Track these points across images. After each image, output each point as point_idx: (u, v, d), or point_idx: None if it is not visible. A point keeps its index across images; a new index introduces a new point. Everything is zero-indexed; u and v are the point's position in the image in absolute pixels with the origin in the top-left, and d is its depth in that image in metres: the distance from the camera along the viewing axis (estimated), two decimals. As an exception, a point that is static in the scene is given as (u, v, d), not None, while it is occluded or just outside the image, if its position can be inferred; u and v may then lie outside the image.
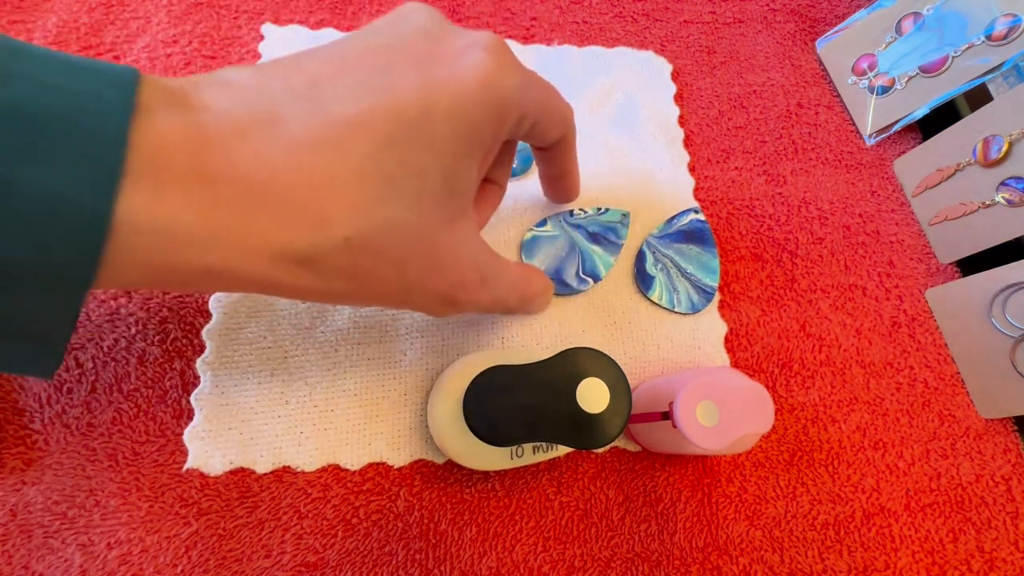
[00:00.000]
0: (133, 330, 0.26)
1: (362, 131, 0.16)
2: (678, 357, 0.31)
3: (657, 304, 0.31)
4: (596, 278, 0.31)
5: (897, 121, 0.38)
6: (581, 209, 0.32)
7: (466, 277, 0.20)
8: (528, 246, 0.31)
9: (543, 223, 0.32)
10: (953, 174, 0.35)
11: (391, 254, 0.17)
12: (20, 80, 0.12)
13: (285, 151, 0.15)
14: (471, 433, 0.22)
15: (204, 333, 0.27)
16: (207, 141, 0.14)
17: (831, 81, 0.41)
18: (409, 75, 0.17)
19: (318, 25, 0.35)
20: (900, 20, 0.37)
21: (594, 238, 0.32)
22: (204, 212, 0.14)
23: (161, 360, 0.26)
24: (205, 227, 0.14)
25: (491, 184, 0.25)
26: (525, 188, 0.33)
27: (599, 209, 0.32)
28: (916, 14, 0.37)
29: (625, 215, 0.33)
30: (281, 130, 0.15)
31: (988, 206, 0.33)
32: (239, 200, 0.14)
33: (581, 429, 0.22)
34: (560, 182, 0.28)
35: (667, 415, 0.24)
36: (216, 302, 0.27)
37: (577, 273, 0.31)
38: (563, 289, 0.30)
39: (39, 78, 0.13)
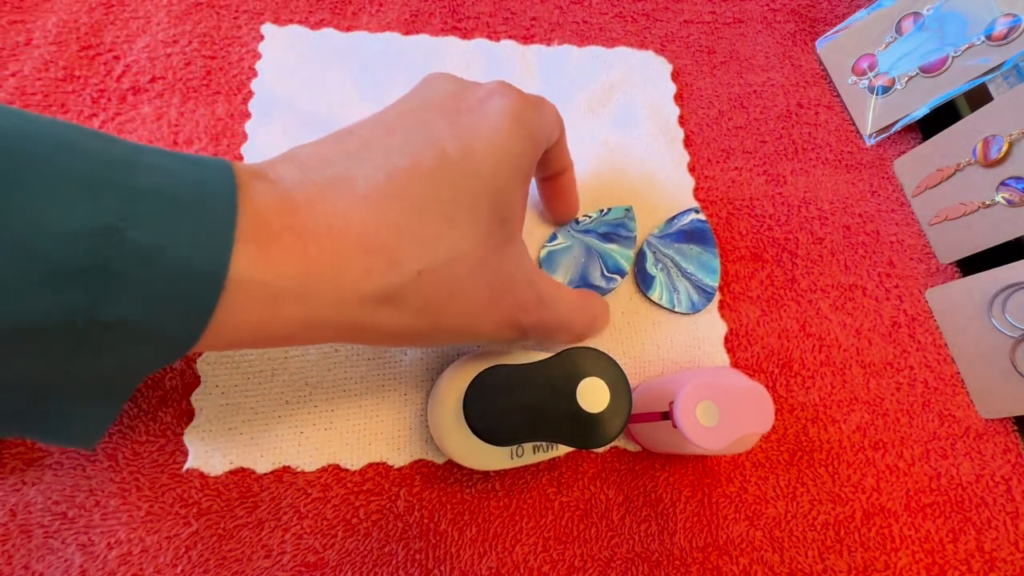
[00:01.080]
0: (133, 330, 0.26)
1: (416, 176, 0.18)
2: (678, 357, 0.31)
3: (657, 304, 0.31)
4: (622, 273, 0.31)
5: (897, 121, 0.38)
6: (585, 215, 0.32)
7: (526, 298, 0.21)
8: (546, 263, 0.31)
9: (553, 238, 0.32)
10: (953, 174, 0.35)
11: (459, 282, 0.18)
12: (147, 169, 0.14)
13: (359, 205, 0.17)
14: (471, 433, 0.22)
15: (204, 333, 0.27)
16: (295, 204, 0.16)
17: (831, 81, 0.41)
18: (444, 126, 0.19)
19: (318, 25, 0.35)
20: (900, 20, 0.37)
21: (607, 237, 0.32)
22: (300, 265, 0.16)
23: (161, 360, 0.26)
24: (302, 278, 0.16)
25: (561, 173, 0.28)
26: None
27: (602, 211, 0.32)
28: (916, 14, 0.37)
29: (628, 209, 0.33)
30: (351, 187, 0.17)
31: (988, 206, 0.33)
32: (327, 252, 0.16)
33: (581, 429, 0.22)
34: (561, 186, 0.29)
35: (667, 415, 0.24)
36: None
37: (603, 273, 0.31)
38: (594, 291, 0.31)
39: (164, 166, 0.15)
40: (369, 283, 0.17)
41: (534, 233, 0.32)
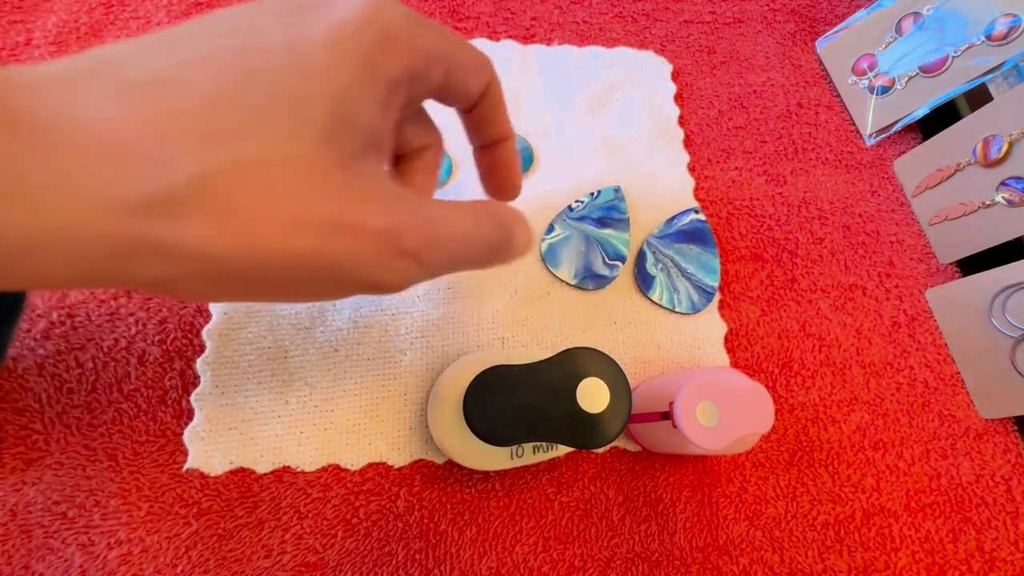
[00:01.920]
0: (133, 330, 0.26)
1: (216, 65, 0.14)
2: (678, 357, 0.31)
3: (657, 304, 0.31)
4: (622, 260, 0.31)
5: (897, 121, 0.38)
6: (577, 201, 0.33)
7: (405, 217, 0.16)
8: (548, 256, 0.31)
9: (551, 229, 0.32)
10: (953, 174, 0.35)
11: (275, 190, 0.14)
12: None
13: (116, 94, 0.13)
14: (471, 433, 0.22)
15: (204, 333, 0.27)
16: (5, 83, 0.12)
17: (831, 81, 0.41)
18: (270, 17, 0.15)
19: (318, 25, 0.35)
20: (900, 20, 0.37)
21: (602, 223, 0.32)
22: (11, 163, 0.12)
23: (161, 360, 0.26)
24: (18, 181, 0.12)
25: (424, 149, 0.23)
26: (523, 189, 0.33)
27: (592, 195, 0.33)
28: (916, 14, 0.37)
29: (617, 190, 0.33)
30: (113, 76, 0.13)
31: (988, 206, 0.33)
32: (60, 147, 0.12)
33: (581, 429, 0.22)
34: (498, 161, 0.24)
35: (667, 415, 0.24)
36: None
37: (604, 262, 0.31)
38: (598, 281, 0.31)
39: None
40: (127, 187, 0.13)
41: (530, 226, 0.32)
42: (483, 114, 0.23)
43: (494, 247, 0.19)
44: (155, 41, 0.14)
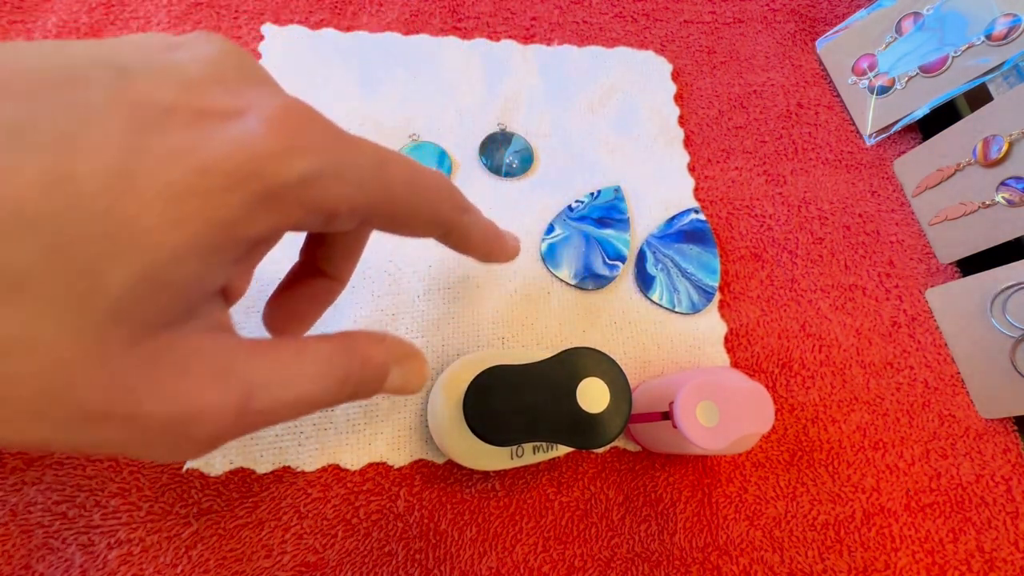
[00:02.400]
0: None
1: None
2: (678, 357, 0.31)
3: (657, 304, 0.31)
4: (622, 259, 0.31)
5: (897, 121, 0.38)
6: (577, 201, 0.33)
7: (209, 400, 0.13)
8: (549, 257, 0.31)
9: (551, 229, 0.32)
10: (953, 174, 0.35)
11: (15, 378, 0.11)
12: None
13: None
14: (471, 433, 0.22)
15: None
16: None
17: (831, 81, 0.41)
18: (112, 126, 0.11)
19: (318, 25, 0.35)
20: (900, 20, 0.37)
21: (602, 223, 0.32)
22: None
23: (161, 360, 0.26)
24: None
25: (325, 279, 0.19)
26: (523, 190, 0.33)
27: (592, 194, 0.33)
28: (916, 14, 0.37)
29: (617, 189, 0.33)
30: None
31: (988, 206, 0.33)
32: None
33: (581, 429, 0.22)
34: (465, 244, 0.19)
35: (667, 415, 0.24)
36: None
37: (604, 262, 0.31)
38: (598, 281, 0.31)
39: None
40: None
41: (530, 227, 0.32)
42: (451, 244, 0.19)
43: (349, 394, 0.16)
44: None
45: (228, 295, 0.15)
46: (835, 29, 0.41)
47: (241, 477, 0.25)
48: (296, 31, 0.35)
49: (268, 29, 0.34)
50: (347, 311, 0.28)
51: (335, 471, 0.26)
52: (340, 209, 0.14)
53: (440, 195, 0.17)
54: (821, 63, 0.41)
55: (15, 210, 0.10)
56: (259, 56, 0.33)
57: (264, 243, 0.14)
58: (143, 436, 0.12)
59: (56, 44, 0.12)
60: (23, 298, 0.10)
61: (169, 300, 0.12)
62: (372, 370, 0.16)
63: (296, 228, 0.14)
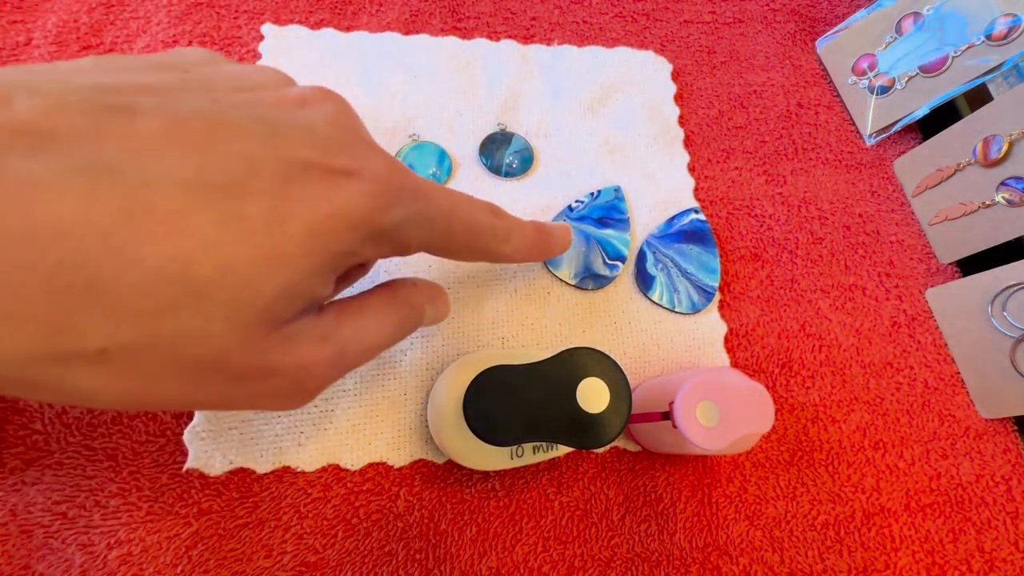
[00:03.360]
0: (133, 330, 0.26)
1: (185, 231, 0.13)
2: (678, 357, 0.31)
3: (657, 304, 0.31)
4: (622, 260, 0.31)
5: (897, 121, 0.38)
6: (577, 201, 0.33)
7: (313, 357, 0.17)
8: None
9: None
10: (953, 174, 0.35)
11: (182, 363, 0.14)
12: None
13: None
14: (471, 433, 0.22)
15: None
16: None
17: (831, 81, 0.41)
18: (265, 185, 0.14)
19: (318, 25, 0.35)
20: (900, 20, 0.37)
21: (602, 223, 0.32)
22: None
23: (161, 360, 0.26)
24: None
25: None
26: (523, 190, 0.33)
27: (592, 194, 0.33)
28: (916, 14, 0.37)
29: (617, 189, 0.33)
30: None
31: (988, 206, 0.33)
32: None
33: (581, 429, 0.22)
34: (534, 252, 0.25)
35: (667, 415, 0.24)
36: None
37: (604, 262, 0.31)
38: (598, 281, 0.31)
39: None
40: (27, 344, 0.12)
41: (525, 214, 0.32)
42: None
43: (404, 332, 0.21)
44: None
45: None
46: (835, 29, 0.41)
47: (241, 477, 0.25)
48: (296, 31, 0.35)
49: (268, 29, 0.34)
50: (347, 311, 0.28)
51: (335, 471, 0.26)
52: (414, 246, 0.19)
53: (487, 233, 0.21)
54: (821, 63, 0.41)
55: (202, 238, 0.13)
56: (259, 56, 0.33)
57: (364, 267, 0.20)
58: (273, 387, 0.16)
59: (223, 91, 0.16)
60: (205, 304, 0.14)
61: (300, 304, 0.16)
62: (416, 310, 0.21)
63: (384, 257, 0.19)
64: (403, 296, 0.21)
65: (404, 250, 0.19)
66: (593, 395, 0.22)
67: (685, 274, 0.32)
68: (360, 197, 0.16)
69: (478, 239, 0.21)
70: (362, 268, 0.21)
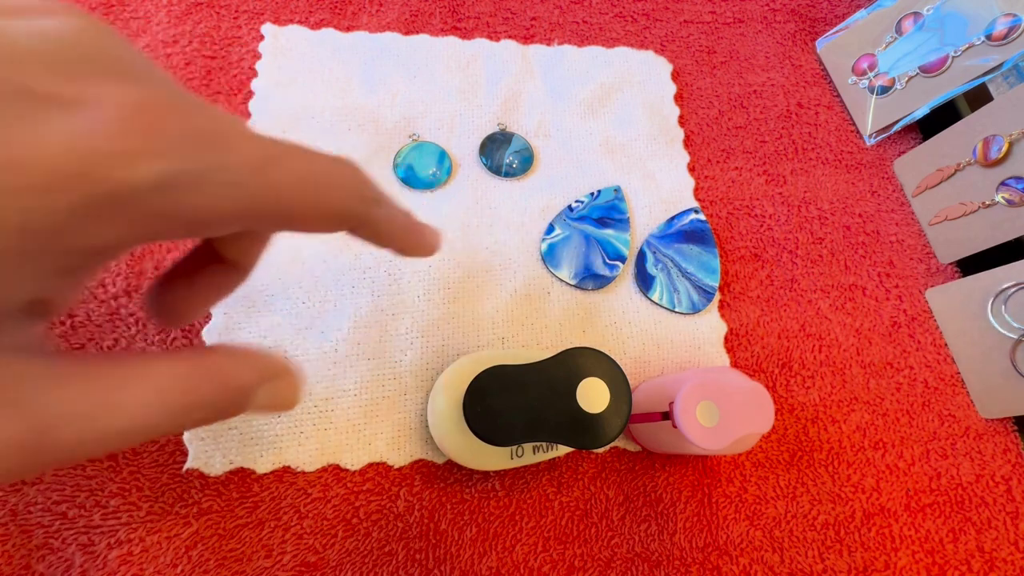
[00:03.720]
0: (133, 330, 0.26)
1: None
2: (678, 357, 0.31)
3: (657, 304, 0.31)
4: (622, 259, 0.31)
5: (897, 121, 0.38)
6: (577, 201, 0.33)
7: None
8: (549, 257, 0.31)
9: (551, 229, 0.32)
10: (953, 174, 0.35)
11: None
12: None
13: None
14: (471, 433, 0.22)
15: (204, 333, 0.27)
16: None
17: (831, 81, 0.41)
18: None
19: (318, 25, 0.35)
20: (900, 20, 0.37)
21: (602, 223, 0.32)
22: None
23: (161, 360, 0.26)
24: None
25: (223, 266, 0.17)
26: (523, 190, 0.33)
27: (592, 194, 0.33)
28: (916, 14, 0.37)
29: (617, 189, 0.33)
30: None
31: (988, 206, 0.33)
32: None
33: (581, 429, 0.22)
34: (378, 236, 0.17)
35: (667, 415, 0.24)
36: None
37: (604, 262, 0.31)
38: (598, 281, 0.31)
39: None
40: None
41: (530, 227, 0.32)
42: (364, 232, 0.16)
43: (202, 418, 0.14)
44: None
45: (44, 309, 0.13)
46: (835, 29, 0.41)
47: (241, 477, 0.25)
48: (296, 31, 0.35)
49: (268, 29, 0.34)
50: (347, 310, 0.28)
51: (335, 471, 0.26)
52: (206, 218, 0.12)
53: (344, 190, 0.14)
54: (821, 63, 0.41)
55: None
56: (259, 56, 0.33)
57: (102, 255, 0.12)
58: None
59: None
60: None
61: None
62: (232, 393, 0.15)
63: (152, 240, 0.12)
64: (216, 369, 0.14)
65: (194, 227, 0.12)
66: (593, 395, 0.22)
67: (685, 274, 0.32)
68: (76, 136, 0.10)
69: (327, 198, 0.14)
70: (106, 257, 0.13)
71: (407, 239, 0.17)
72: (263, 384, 0.15)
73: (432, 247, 0.19)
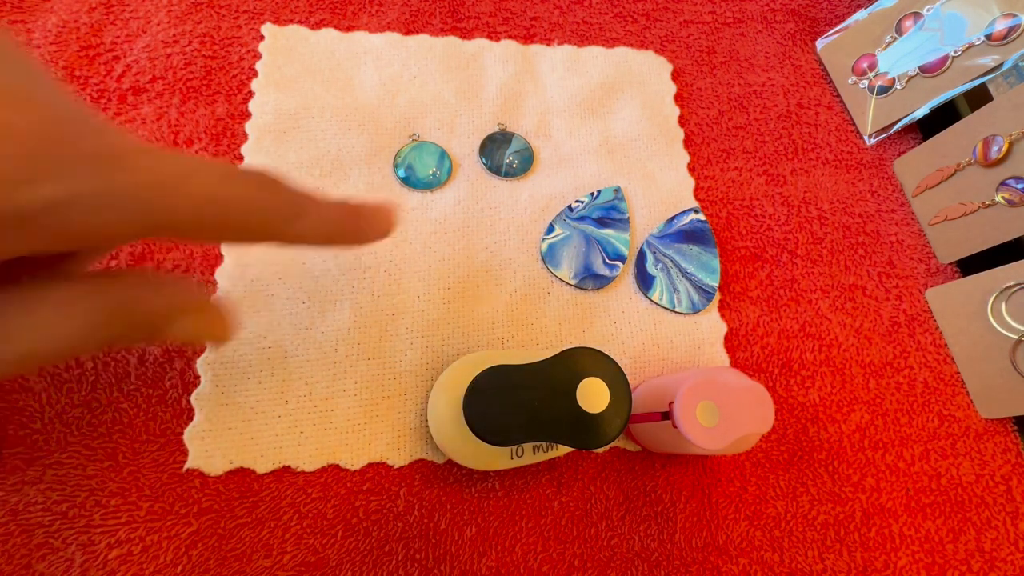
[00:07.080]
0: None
1: None
2: (678, 357, 0.31)
3: (657, 304, 0.31)
4: (622, 259, 0.31)
5: (897, 121, 0.38)
6: (577, 201, 0.33)
7: None
8: (549, 257, 0.31)
9: (551, 229, 0.32)
10: (953, 174, 0.35)
11: None
12: None
13: None
14: (471, 433, 0.22)
15: (204, 333, 0.27)
16: None
17: (831, 81, 0.41)
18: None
19: (318, 25, 0.35)
20: (900, 20, 0.37)
21: (602, 223, 0.32)
22: None
23: (161, 360, 0.26)
24: None
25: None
26: (523, 190, 0.33)
27: (592, 194, 0.33)
28: (916, 14, 0.37)
29: (617, 190, 0.33)
30: None
31: (988, 206, 0.33)
32: None
33: (581, 429, 0.22)
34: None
35: (667, 415, 0.24)
36: (216, 302, 0.27)
37: (604, 262, 0.31)
38: (598, 281, 0.31)
39: None
40: None
41: (530, 227, 0.32)
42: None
43: (107, 342, 0.14)
44: None
45: None
46: (835, 29, 0.41)
47: (241, 477, 0.25)
48: (296, 31, 0.35)
49: (268, 29, 0.34)
50: (347, 310, 0.28)
51: (335, 471, 0.26)
52: (101, 234, 0.12)
53: (255, 213, 0.14)
54: (821, 63, 0.41)
55: None
56: (259, 56, 0.33)
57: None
58: None
59: None
60: None
61: None
62: (138, 317, 0.15)
63: (30, 253, 0.12)
64: (120, 291, 0.14)
65: (73, 241, 0.12)
66: (593, 395, 0.22)
67: (685, 274, 0.32)
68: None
69: (235, 221, 0.14)
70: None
71: (344, 237, 0.17)
72: (180, 315, 0.15)
73: (382, 230, 0.18)
